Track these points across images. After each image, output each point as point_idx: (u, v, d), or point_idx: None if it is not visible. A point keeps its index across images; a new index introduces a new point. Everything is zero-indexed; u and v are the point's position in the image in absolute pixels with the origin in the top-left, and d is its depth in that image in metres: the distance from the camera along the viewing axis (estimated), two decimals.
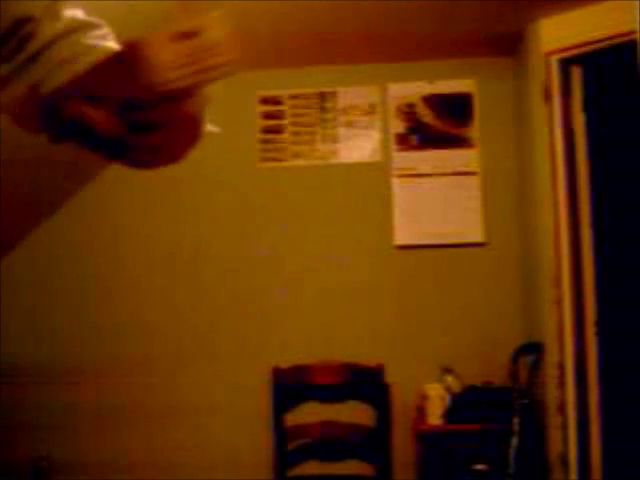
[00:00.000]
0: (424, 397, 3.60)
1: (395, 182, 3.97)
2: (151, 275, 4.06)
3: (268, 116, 4.06)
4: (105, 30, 0.91)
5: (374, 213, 3.98)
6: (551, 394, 3.37)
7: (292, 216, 4.03)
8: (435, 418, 3.53)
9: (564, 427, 3.29)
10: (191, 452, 3.93)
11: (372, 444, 2.90)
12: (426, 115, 3.99)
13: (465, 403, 3.51)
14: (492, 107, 3.95)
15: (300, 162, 4.02)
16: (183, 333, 4.01)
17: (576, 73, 3.41)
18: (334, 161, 4.01)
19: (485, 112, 3.95)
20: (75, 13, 0.90)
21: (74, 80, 0.73)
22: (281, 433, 2.91)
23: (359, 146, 4.01)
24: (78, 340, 4.02)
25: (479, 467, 3.34)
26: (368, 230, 3.98)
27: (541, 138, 3.46)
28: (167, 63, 0.66)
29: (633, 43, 2.63)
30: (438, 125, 3.98)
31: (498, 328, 3.82)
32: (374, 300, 3.94)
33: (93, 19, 0.91)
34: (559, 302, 3.33)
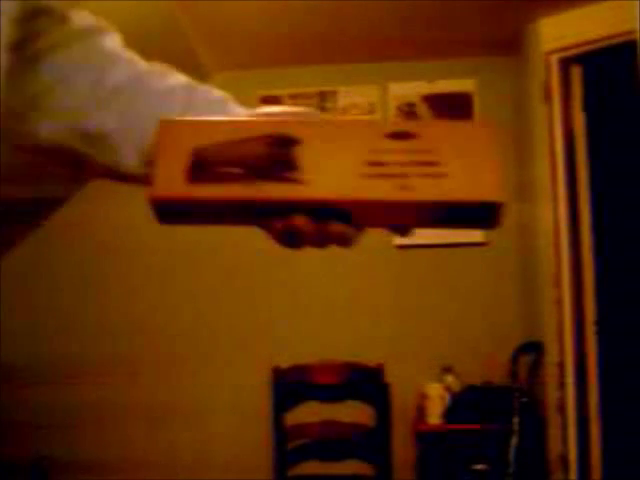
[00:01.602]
0: (424, 397, 3.60)
1: None
2: (151, 275, 4.06)
3: None
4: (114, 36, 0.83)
5: None
6: (551, 394, 3.37)
7: None
8: (435, 418, 3.53)
9: (564, 427, 3.29)
10: (191, 452, 3.93)
11: (372, 444, 2.90)
12: (426, 115, 3.99)
13: (465, 403, 3.51)
14: (492, 107, 3.95)
15: None
16: (183, 333, 4.01)
17: (576, 73, 3.41)
18: None
19: (485, 112, 3.94)
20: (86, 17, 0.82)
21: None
22: (281, 433, 2.91)
23: None
24: (78, 340, 4.02)
25: (479, 467, 3.34)
26: (368, 229, 3.97)
27: (541, 138, 3.46)
28: None
29: (633, 43, 2.63)
30: None
31: (498, 328, 3.81)
32: (374, 300, 3.94)
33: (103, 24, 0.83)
34: (559, 302, 3.33)
